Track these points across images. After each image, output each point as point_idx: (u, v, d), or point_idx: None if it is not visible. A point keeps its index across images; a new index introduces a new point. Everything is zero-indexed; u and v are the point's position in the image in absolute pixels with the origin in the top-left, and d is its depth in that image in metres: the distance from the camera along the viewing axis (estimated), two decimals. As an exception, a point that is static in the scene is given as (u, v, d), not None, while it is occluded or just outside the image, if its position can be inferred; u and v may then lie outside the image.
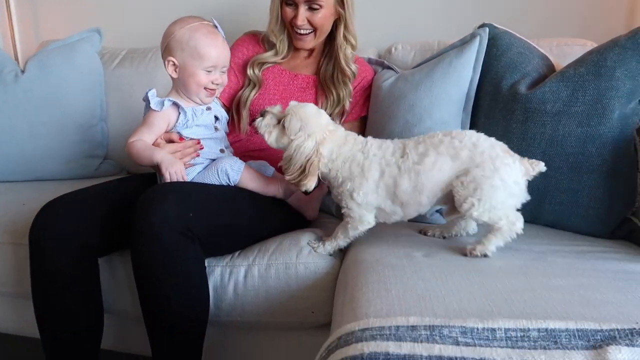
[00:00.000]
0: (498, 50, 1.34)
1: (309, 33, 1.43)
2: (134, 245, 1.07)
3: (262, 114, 1.17)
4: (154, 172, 1.31)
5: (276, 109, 1.17)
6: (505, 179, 1.02)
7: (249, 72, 1.48)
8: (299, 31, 1.42)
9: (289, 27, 1.45)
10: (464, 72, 1.33)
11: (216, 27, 1.25)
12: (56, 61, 1.74)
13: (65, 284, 1.14)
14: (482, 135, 1.08)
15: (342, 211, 1.15)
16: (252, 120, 1.24)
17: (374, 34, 1.74)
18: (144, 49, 1.90)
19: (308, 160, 1.10)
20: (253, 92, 1.47)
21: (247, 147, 1.47)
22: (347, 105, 1.49)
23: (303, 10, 1.39)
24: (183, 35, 1.20)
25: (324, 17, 1.41)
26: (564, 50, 1.52)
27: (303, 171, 1.10)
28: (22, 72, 1.72)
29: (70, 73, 1.74)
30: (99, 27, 1.87)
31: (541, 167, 1.06)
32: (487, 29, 1.36)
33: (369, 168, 1.09)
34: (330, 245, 1.19)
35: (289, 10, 1.42)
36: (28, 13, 2.17)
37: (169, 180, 1.16)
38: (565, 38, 1.59)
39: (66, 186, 1.61)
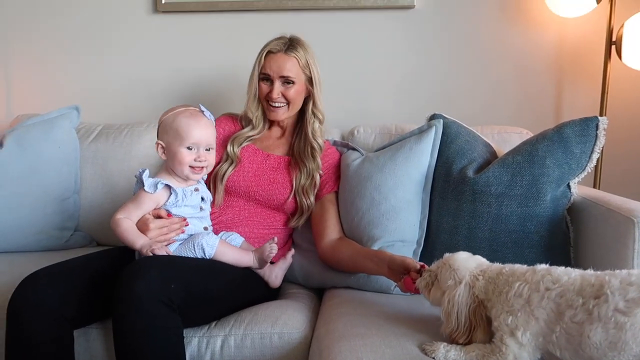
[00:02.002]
0: (448, 138, 1.53)
1: (283, 106, 1.57)
2: (118, 314, 1.12)
3: (420, 273, 1.13)
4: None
5: (434, 265, 1.10)
6: None
7: (229, 148, 1.58)
8: (273, 104, 1.57)
9: (264, 103, 1.59)
10: (423, 157, 1.50)
11: (202, 110, 1.39)
12: (34, 136, 1.80)
13: (40, 356, 1.15)
14: None
15: (494, 339, 0.96)
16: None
17: (337, 117, 1.91)
18: (119, 124, 1.98)
19: (467, 307, 0.97)
20: (230, 169, 1.56)
21: (219, 220, 1.55)
22: (318, 178, 1.58)
23: (278, 85, 1.55)
24: (167, 119, 1.34)
25: (296, 91, 1.57)
26: (504, 137, 1.73)
27: (466, 324, 0.97)
28: (0, 146, 1.77)
29: (48, 148, 1.80)
30: (78, 105, 1.95)
31: None
32: (441, 120, 1.55)
33: (538, 304, 0.90)
34: (455, 354, 0.98)
35: (264, 86, 1.57)
36: (1, 87, 2.24)
37: None
38: (505, 126, 1.81)
39: (37, 258, 1.65)
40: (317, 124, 1.63)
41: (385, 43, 2.05)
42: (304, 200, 1.56)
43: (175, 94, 2.14)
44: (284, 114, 1.60)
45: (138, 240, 1.26)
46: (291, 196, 1.57)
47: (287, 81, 1.55)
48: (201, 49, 2.13)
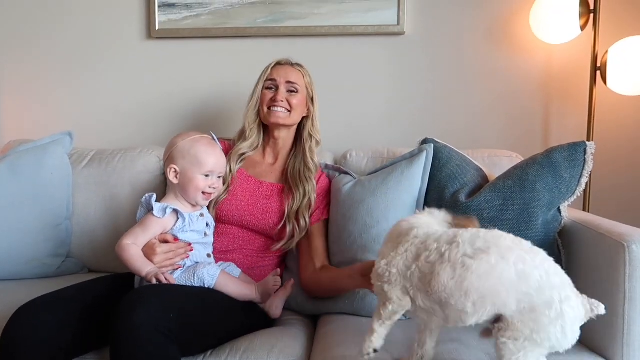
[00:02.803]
0: (440, 162, 1.56)
1: (284, 111, 1.58)
2: (115, 344, 1.11)
3: None
4: (127, 272, 1.38)
5: None
6: (566, 328, 0.90)
7: (228, 166, 1.56)
8: (275, 108, 1.57)
9: (265, 109, 1.60)
10: (414, 181, 1.52)
11: (214, 139, 1.42)
12: (27, 162, 1.79)
13: None
14: (553, 264, 0.95)
15: (374, 291, 1.06)
16: None
17: (330, 141, 1.93)
18: (112, 150, 1.97)
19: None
20: (222, 196, 1.55)
21: (215, 249, 1.53)
22: (313, 199, 1.58)
23: (284, 90, 1.59)
24: (185, 145, 1.36)
25: (299, 101, 1.60)
26: (494, 161, 1.76)
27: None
28: (-7, 172, 1.76)
29: (41, 174, 1.79)
30: (71, 130, 1.95)
31: (600, 309, 0.94)
32: (432, 145, 1.57)
33: (404, 247, 0.99)
34: (369, 336, 1.03)
35: (269, 93, 1.60)
36: (-8, 113, 2.23)
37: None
38: (495, 150, 1.84)
39: (28, 286, 1.63)
40: (314, 144, 1.66)
41: (377, 68, 2.09)
42: (298, 222, 1.55)
43: (168, 119, 2.15)
44: (285, 119, 1.60)
45: (144, 268, 1.27)
46: (281, 224, 1.56)
47: (292, 88, 1.60)
48: (194, 74, 2.15)
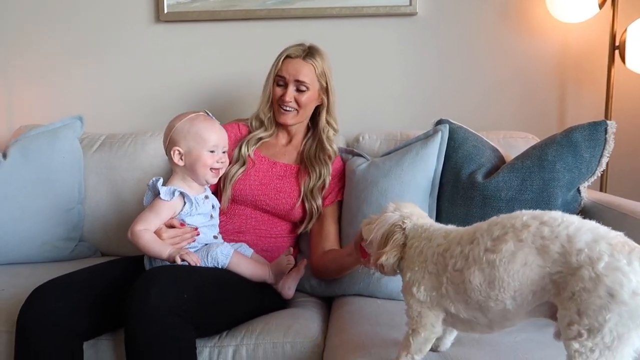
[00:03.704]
0: (455, 143, 1.53)
1: (292, 111, 1.57)
2: (130, 326, 1.10)
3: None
4: (139, 255, 1.38)
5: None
6: (615, 292, 0.71)
7: (243, 150, 1.58)
8: (284, 107, 1.56)
9: (275, 106, 1.60)
10: (429, 162, 1.50)
11: (209, 115, 1.40)
12: (38, 147, 1.79)
13: None
14: (579, 221, 0.80)
15: (406, 313, 0.97)
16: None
17: (342, 123, 1.88)
18: (122, 134, 1.97)
19: (391, 231, 0.99)
20: (240, 170, 1.56)
21: (226, 228, 1.54)
22: (327, 182, 1.58)
23: (292, 89, 1.55)
24: (184, 126, 1.33)
25: (309, 98, 1.57)
26: (510, 142, 1.73)
27: (384, 242, 0.99)
28: (4, 157, 1.75)
29: (52, 158, 1.79)
30: (81, 115, 1.94)
31: None
32: (447, 125, 1.55)
33: (431, 259, 0.91)
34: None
35: (278, 90, 1.58)
36: (2, 99, 2.23)
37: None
38: (510, 131, 1.82)
39: (42, 270, 1.64)
40: (331, 132, 1.64)
41: (389, 50, 2.05)
42: (313, 204, 1.55)
43: (178, 103, 2.13)
44: (293, 119, 1.59)
45: (165, 250, 1.26)
46: (298, 203, 1.56)
47: (301, 87, 1.56)
48: (204, 57, 2.12)
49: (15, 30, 2.19)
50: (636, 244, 0.75)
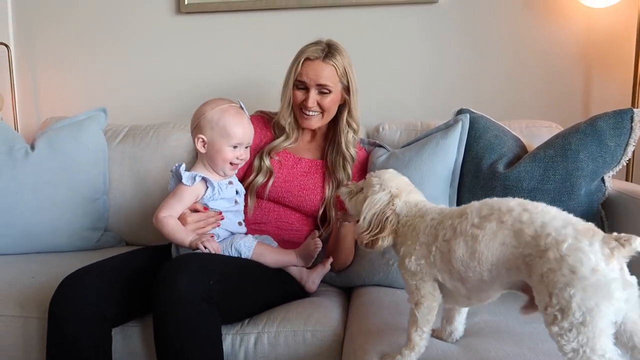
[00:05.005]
0: (476, 133, 1.51)
1: (316, 115, 1.54)
2: (159, 311, 1.13)
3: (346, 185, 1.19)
4: (165, 243, 1.41)
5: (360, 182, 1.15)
6: (576, 268, 0.77)
7: (265, 161, 1.55)
8: (307, 112, 1.53)
9: (297, 110, 1.55)
10: (449, 152, 1.49)
11: (242, 108, 1.39)
12: (64, 139, 1.83)
13: (81, 357, 1.18)
14: (555, 210, 0.86)
15: (406, 290, 1.02)
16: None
17: (362, 114, 1.89)
18: (145, 125, 2.00)
19: (382, 212, 1.02)
20: (270, 182, 1.55)
21: (247, 220, 1.53)
22: None
23: (314, 93, 1.50)
24: (213, 116, 1.34)
25: (332, 101, 1.53)
26: (532, 131, 1.70)
27: (378, 226, 1.02)
28: (32, 149, 1.80)
29: (77, 149, 1.83)
30: (105, 107, 1.97)
31: (636, 243, 0.77)
32: (467, 115, 1.53)
33: (423, 231, 0.97)
34: (409, 350, 0.99)
35: (299, 94, 1.52)
36: (29, 91, 2.28)
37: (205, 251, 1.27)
38: (533, 120, 1.79)
39: (70, 258, 1.68)
40: (350, 135, 1.58)
41: (409, 39, 2.03)
42: (332, 213, 1.56)
43: (199, 93, 2.11)
44: (317, 123, 1.56)
45: (187, 237, 1.28)
46: (323, 203, 1.56)
47: (323, 90, 1.50)
48: (224, 48, 2.14)
49: (40, 24, 2.23)
50: (601, 231, 0.81)
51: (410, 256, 0.97)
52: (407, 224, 1.01)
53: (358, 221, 1.06)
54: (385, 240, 1.02)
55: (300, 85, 1.52)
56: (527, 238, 0.83)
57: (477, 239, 0.88)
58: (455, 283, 0.93)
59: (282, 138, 1.59)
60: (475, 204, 0.94)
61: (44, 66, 2.27)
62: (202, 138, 1.34)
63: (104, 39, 2.21)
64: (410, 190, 1.07)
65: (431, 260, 0.95)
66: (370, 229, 1.02)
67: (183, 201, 1.32)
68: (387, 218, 1.01)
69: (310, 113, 1.53)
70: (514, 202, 0.89)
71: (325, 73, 1.50)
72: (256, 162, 1.56)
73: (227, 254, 1.32)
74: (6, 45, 2.17)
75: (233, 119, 1.34)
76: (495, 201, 0.92)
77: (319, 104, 1.52)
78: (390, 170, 1.11)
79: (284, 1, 2.06)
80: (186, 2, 2.11)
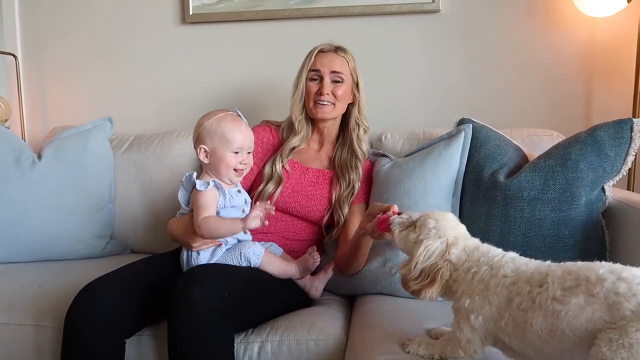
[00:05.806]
0: (478, 142, 1.53)
1: (330, 104, 1.56)
2: (174, 321, 1.15)
3: (399, 213, 1.15)
4: (173, 250, 1.45)
5: (416, 213, 1.08)
6: None
7: (277, 166, 1.56)
8: (321, 101, 1.55)
9: (311, 103, 1.57)
10: (452, 162, 1.50)
11: (239, 115, 1.42)
12: (71, 147, 1.85)
13: None
14: None
15: (453, 326, 0.99)
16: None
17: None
18: (150, 134, 2.02)
19: (434, 264, 0.97)
20: (278, 190, 1.55)
21: (255, 229, 1.56)
22: (357, 187, 1.59)
23: (328, 81, 1.55)
24: (211, 125, 1.37)
25: (344, 91, 1.57)
26: (534, 140, 1.71)
27: (427, 277, 0.97)
28: (39, 158, 1.83)
29: (84, 158, 1.85)
30: (111, 116, 2.00)
31: None
32: (470, 125, 1.54)
33: (494, 290, 0.90)
34: (425, 350, 1.02)
35: (313, 85, 1.57)
36: (36, 101, 2.31)
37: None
38: (535, 129, 1.80)
39: (76, 266, 1.71)
40: (362, 132, 1.63)
41: (411, 48, 2.05)
42: (340, 213, 1.57)
43: (204, 103, 2.17)
44: (330, 113, 1.58)
45: (237, 226, 1.27)
46: (329, 212, 1.58)
47: (337, 78, 1.56)
48: (229, 58, 2.16)
49: (47, 34, 2.27)
50: None
51: (477, 314, 0.91)
52: (470, 270, 0.95)
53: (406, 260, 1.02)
54: (434, 294, 0.97)
55: (314, 75, 1.57)
56: (626, 312, 0.76)
57: (559, 316, 0.80)
58: (527, 350, 0.87)
59: (291, 137, 1.61)
60: (556, 270, 0.87)
61: (51, 76, 2.30)
62: (203, 148, 1.37)
63: (110, 49, 2.24)
64: (466, 235, 1.02)
65: (502, 325, 0.88)
66: (420, 278, 0.97)
67: (209, 207, 1.31)
68: (439, 269, 0.96)
69: (324, 102, 1.56)
70: (604, 269, 0.81)
71: (338, 62, 1.57)
72: (267, 169, 1.58)
73: (236, 262, 1.33)
74: (14, 55, 2.21)
75: (230, 126, 1.36)
76: (581, 268, 0.85)
77: (332, 93, 1.56)
78: (449, 214, 1.05)
79: (287, 11, 2.08)
80: (191, 13, 2.14)
